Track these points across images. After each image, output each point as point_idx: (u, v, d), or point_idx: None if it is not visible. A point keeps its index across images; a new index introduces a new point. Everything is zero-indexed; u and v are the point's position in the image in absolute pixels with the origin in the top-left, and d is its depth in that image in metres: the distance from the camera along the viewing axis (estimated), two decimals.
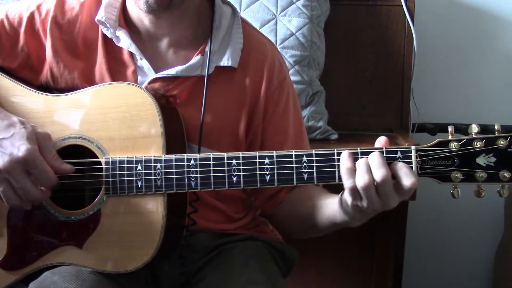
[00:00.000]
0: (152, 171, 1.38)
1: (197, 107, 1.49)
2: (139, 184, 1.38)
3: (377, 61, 2.42)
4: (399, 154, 1.29)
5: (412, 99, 2.44)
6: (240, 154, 1.36)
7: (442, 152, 1.28)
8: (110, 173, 1.39)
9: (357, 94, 2.42)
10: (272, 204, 1.59)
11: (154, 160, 1.38)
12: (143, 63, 1.51)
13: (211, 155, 1.37)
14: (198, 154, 1.39)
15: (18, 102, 1.47)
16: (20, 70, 1.54)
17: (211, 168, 1.36)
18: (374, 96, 2.42)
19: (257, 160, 1.35)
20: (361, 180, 1.25)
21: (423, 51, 2.48)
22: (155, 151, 1.40)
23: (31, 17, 1.53)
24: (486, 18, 2.64)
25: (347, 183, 1.28)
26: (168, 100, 1.50)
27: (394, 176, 1.26)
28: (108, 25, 1.49)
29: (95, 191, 1.41)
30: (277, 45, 2.13)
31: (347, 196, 1.30)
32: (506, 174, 1.26)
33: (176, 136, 1.45)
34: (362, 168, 1.26)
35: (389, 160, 1.28)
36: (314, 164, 1.33)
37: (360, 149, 1.30)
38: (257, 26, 2.10)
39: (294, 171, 1.33)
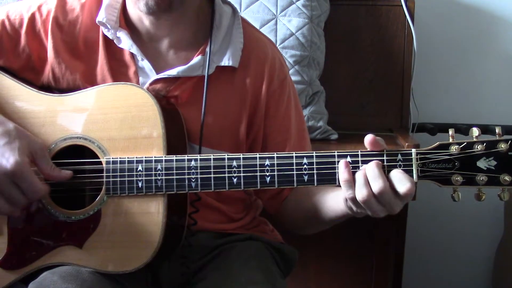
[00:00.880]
0: (153, 171, 1.38)
1: (198, 107, 1.49)
2: (140, 184, 1.38)
3: (377, 61, 2.42)
4: (399, 157, 1.29)
5: (412, 99, 2.44)
6: (241, 155, 1.36)
7: (443, 155, 1.28)
8: (110, 173, 1.39)
9: (357, 94, 2.41)
10: (276, 203, 1.60)
11: (154, 160, 1.38)
12: (144, 64, 1.51)
13: (211, 156, 1.37)
14: (198, 155, 1.39)
15: (19, 102, 1.47)
16: (22, 71, 1.54)
17: (212, 170, 1.36)
18: (374, 96, 2.41)
19: (258, 162, 1.35)
20: (359, 194, 1.26)
21: (423, 51, 2.48)
22: (156, 151, 1.40)
23: (32, 18, 1.53)
24: (486, 18, 2.64)
25: (346, 194, 1.29)
26: (169, 101, 1.50)
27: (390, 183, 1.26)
28: (108, 26, 1.49)
29: (95, 191, 1.41)
30: (277, 45, 2.12)
31: (350, 204, 1.31)
32: (507, 178, 1.26)
33: (177, 136, 1.45)
34: (360, 182, 1.27)
35: (388, 163, 1.28)
36: (314, 166, 1.33)
37: (360, 151, 1.31)
38: (257, 26, 2.10)
39: (295, 173, 1.33)
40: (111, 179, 1.39)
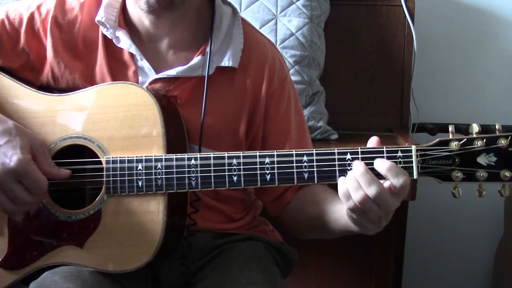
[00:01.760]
0: (153, 170, 1.38)
1: (198, 108, 1.49)
2: (140, 183, 1.38)
3: (377, 61, 2.42)
4: (399, 154, 1.29)
5: (412, 99, 2.44)
6: (241, 153, 1.36)
7: (443, 152, 1.28)
8: (110, 172, 1.39)
9: (357, 94, 2.42)
10: (278, 206, 1.59)
11: (154, 159, 1.38)
12: (144, 63, 1.51)
13: (211, 154, 1.37)
14: (198, 153, 1.39)
15: (19, 102, 1.47)
16: (21, 71, 1.54)
17: (212, 168, 1.36)
18: (374, 96, 2.42)
19: (258, 160, 1.35)
20: (355, 197, 1.25)
21: (423, 51, 2.48)
22: (156, 150, 1.40)
23: (31, 17, 1.53)
24: (486, 18, 2.64)
25: (346, 205, 1.29)
26: (169, 100, 1.50)
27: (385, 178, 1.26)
28: (108, 25, 1.49)
29: (95, 190, 1.41)
30: (277, 45, 2.13)
31: (352, 214, 1.31)
32: (507, 174, 1.26)
33: (176, 136, 1.45)
34: (352, 186, 1.26)
35: (390, 160, 1.28)
36: (314, 164, 1.33)
37: (361, 149, 1.31)
38: (257, 26, 2.10)
39: (295, 170, 1.33)
40: (111, 179, 1.39)
